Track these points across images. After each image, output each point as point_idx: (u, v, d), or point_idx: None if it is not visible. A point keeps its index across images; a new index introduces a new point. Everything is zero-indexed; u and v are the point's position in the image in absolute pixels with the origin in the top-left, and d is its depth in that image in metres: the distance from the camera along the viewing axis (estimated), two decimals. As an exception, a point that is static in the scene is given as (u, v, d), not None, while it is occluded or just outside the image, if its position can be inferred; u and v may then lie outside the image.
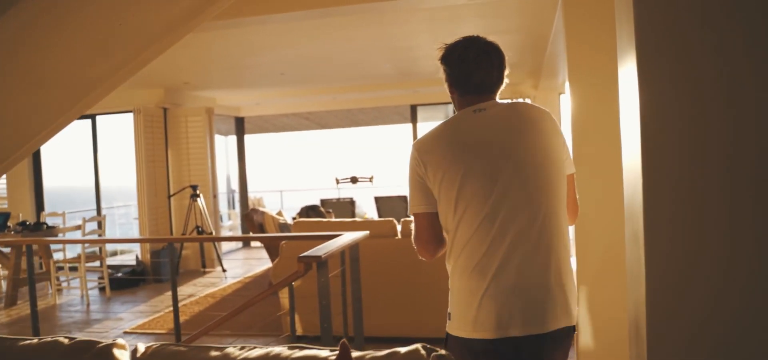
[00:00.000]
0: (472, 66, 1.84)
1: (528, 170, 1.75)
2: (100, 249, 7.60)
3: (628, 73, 1.41)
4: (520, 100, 8.97)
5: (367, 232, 3.87)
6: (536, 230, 1.73)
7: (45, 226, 7.19)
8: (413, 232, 1.90)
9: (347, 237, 3.65)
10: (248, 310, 3.94)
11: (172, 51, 6.90)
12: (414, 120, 10.68)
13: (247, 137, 12.66)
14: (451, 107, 10.87)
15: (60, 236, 7.14)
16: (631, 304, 1.51)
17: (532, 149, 1.77)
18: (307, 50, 6.65)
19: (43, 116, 3.37)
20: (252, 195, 12.36)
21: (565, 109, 10.04)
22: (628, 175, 1.53)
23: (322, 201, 11.68)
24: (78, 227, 7.12)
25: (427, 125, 11.48)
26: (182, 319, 5.95)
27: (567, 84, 3.84)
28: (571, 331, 1.80)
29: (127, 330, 5.65)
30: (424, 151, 1.83)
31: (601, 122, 3.70)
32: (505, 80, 1.90)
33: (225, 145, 12.12)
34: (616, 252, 3.81)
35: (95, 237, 7.44)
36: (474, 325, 1.73)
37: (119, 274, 7.73)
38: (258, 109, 11.29)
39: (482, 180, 1.74)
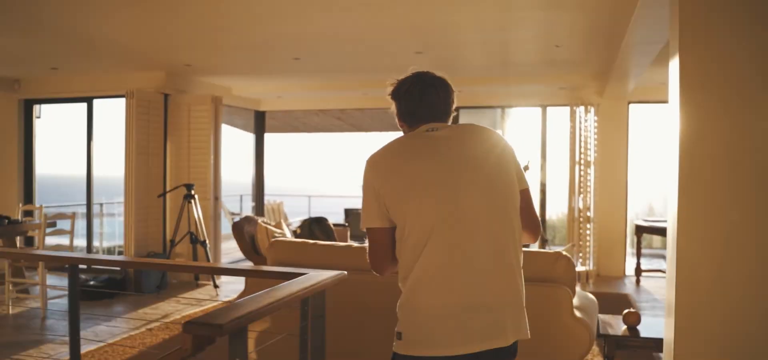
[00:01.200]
0: (416, 99, 1.91)
1: (481, 185, 1.79)
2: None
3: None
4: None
5: (344, 272, 2.52)
6: (492, 244, 1.75)
7: (6, 221, 6.12)
8: (368, 247, 1.89)
9: (307, 280, 2.32)
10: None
11: (170, 27, 5.81)
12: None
13: (276, 136, 11.53)
14: (498, 111, 9.40)
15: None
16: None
17: (483, 165, 1.82)
18: (321, 27, 5.36)
19: None
20: (272, 199, 11.17)
21: (636, 120, 8.45)
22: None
23: (346, 211, 10.39)
24: (39, 225, 6.01)
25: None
26: (134, 351, 4.74)
27: (676, 90, 2.41)
28: (515, 346, 1.80)
29: (63, 361, 4.46)
30: (377, 165, 1.86)
31: (720, 144, 2.28)
32: (453, 113, 1.96)
33: (255, 142, 10.91)
34: (730, 300, 2.39)
35: (60, 240, 6.32)
36: (429, 344, 1.72)
37: (92, 283, 6.59)
38: (280, 103, 10.07)
39: (435, 195, 1.76)
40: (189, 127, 7.62)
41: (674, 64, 2.42)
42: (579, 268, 8.03)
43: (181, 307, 6.29)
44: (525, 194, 1.87)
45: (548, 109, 8.69)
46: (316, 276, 2.39)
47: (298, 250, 3.79)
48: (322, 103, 10.01)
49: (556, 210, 10.00)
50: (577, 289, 3.53)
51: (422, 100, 1.90)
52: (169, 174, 7.65)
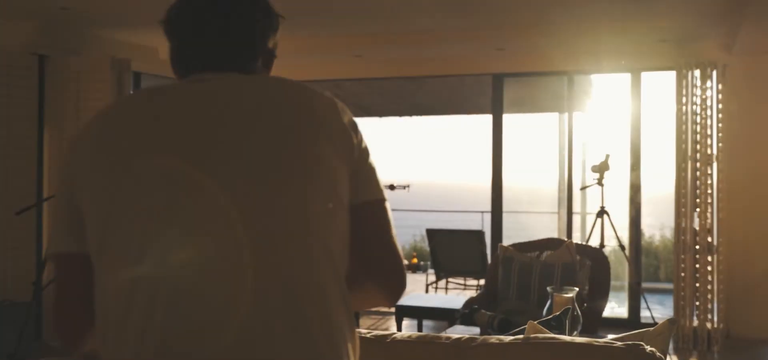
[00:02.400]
0: (188, 31, 1.09)
1: (261, 181, 0.97)
2: None
3: None
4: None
5: None
6: (273, 289, 0.94)
7: None
8: (52, 293, 1.13)
9: None
10: None
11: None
12: (497, 101, 6.32)
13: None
14: (564, 80, 6.34)
15: None
16: None
17: (272, 143, 0.99)
18: None
19: None
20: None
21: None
22: None
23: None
24: None
25: (513, 118, 7.22)
26: None
27: None
28: None
29: None
30: (78, 146, 1.06)
31: None
32: (264, 55, 1.11)
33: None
34: None
35: None
36: None
37: None
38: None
39: (164, 192, 0.96)
40: (78, 107, 5.14)
41: None
42: (695, 322, 5.35)
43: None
44: (372, 209, 1.04)
45: (643, 74, 5.94)
46: None
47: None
48: (302, 73, 7.26)
49: (656, 229, 7.22)
50: None
51: (195, 32, 1.07)
52: (48, 177, 5.11)
